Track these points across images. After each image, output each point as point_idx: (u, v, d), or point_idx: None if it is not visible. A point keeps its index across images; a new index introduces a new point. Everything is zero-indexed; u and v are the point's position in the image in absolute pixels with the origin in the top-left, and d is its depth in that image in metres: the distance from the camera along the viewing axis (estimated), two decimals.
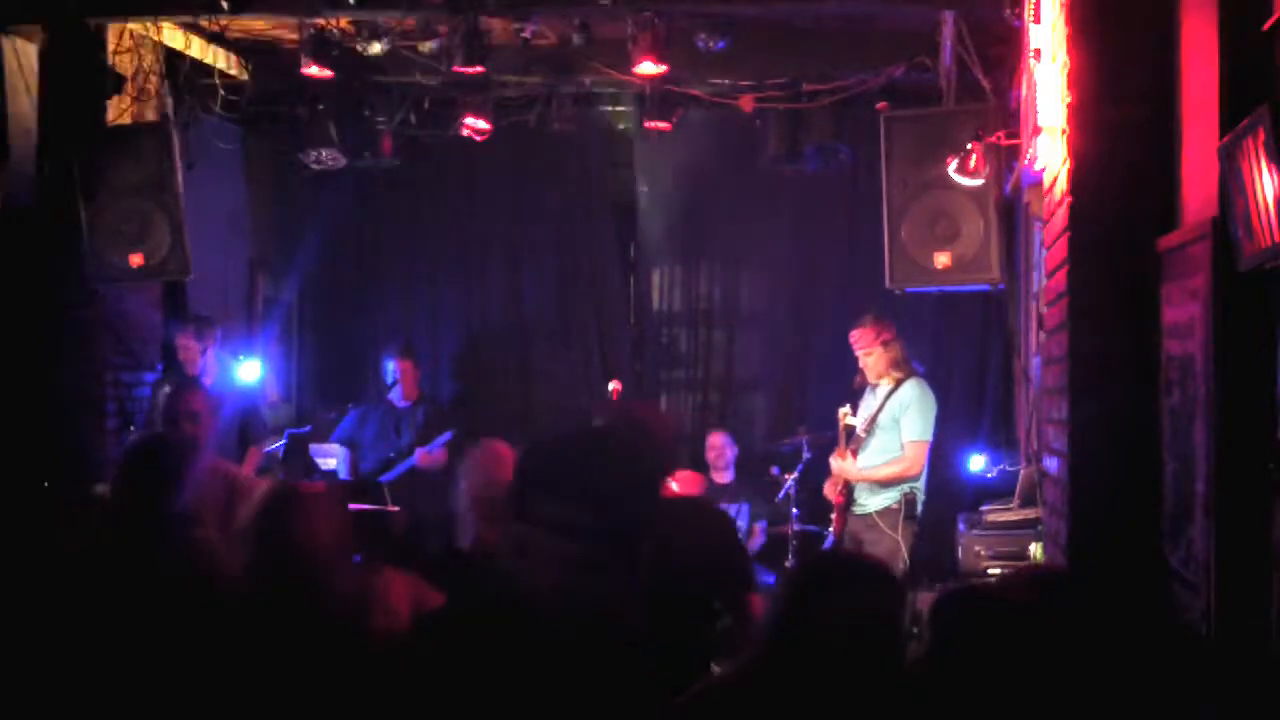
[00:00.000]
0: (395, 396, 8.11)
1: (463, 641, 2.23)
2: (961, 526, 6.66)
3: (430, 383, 8.69)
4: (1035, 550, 5.90)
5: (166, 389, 6.55)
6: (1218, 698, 2.86)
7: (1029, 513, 6.20)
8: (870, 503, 6.73)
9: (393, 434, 7.91)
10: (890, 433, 6.71)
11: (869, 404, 6.84)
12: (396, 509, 7.04)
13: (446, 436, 7.96)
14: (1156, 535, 3.57)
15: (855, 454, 6.75)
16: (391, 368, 8.10)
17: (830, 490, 6.91)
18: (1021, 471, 6.70)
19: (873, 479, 6.70)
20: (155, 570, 2.81)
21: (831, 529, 6.89)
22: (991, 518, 6.57)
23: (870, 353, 6.74)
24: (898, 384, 6.73)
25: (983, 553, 6.42)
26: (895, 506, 6.65)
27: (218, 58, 7.24)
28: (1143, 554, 3.60)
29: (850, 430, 6.76)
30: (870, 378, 6.80)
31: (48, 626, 2.66)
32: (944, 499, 7.14)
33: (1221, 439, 3.01)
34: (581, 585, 2.23)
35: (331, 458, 8.15)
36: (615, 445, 2.44)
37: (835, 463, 6.80)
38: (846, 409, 6.80)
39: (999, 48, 6.05)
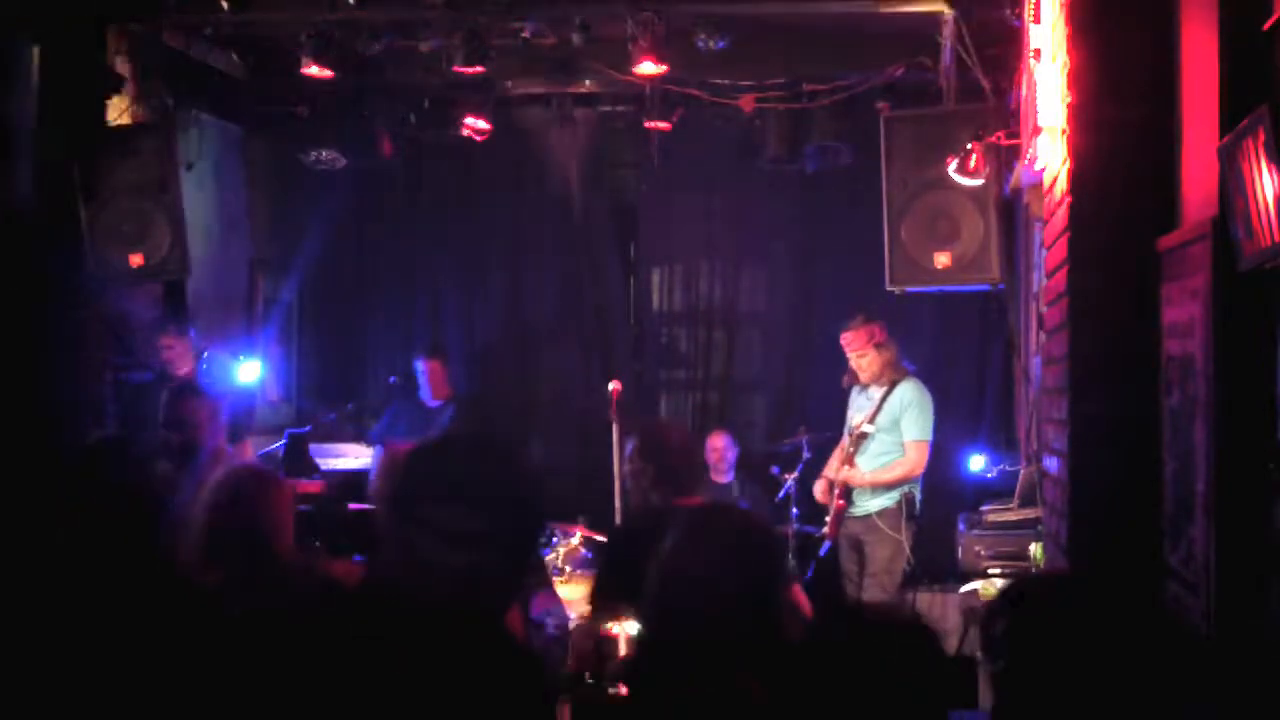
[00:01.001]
0: (425, 396, 8.11)
1: (344, 653, 2.20)
2: (961, 526, 6.66)
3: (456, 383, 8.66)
4: (1035, 550, 5.90)
5: (164, 394, 6.51)
6: (1217, 698, 2.86)
7: (1029, 513, 6.19)
8: (870, 504, 6.70)
9: (421, 433, 7.91)
10: (890, 434, 6.69)
11: (861, 405, 6.81)
12: None
13: None
14: (1156, 535, 3.57)
15: (854, 456, 6.72)
16: (420, 369, 8.11)
17: (822, 494, 6.88)
18: (1021, 471, 6.70)
19: (879, 482, 6.67)
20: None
21: (825, 531, 6.86)
22: (991, 518, 6.56)
23: (864, 355, 6.70)
24: (892, 385, 6.69)
25: (983, 553, 6.41)
26: (895, 507, 6.64)
27: (218, 58, 7.24)
28: (1143, 554, 3.60)
29: (865, 436, 6.70)
30: (863, 379, 6.76)
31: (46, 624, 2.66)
32: (944, 499, 7.13)
33: (1221, 439, 3.01)
34: (469, 595, 2.21)
35: (335, 457, 8.17)
36: (504, 451, 2.43)
37: (844, 471, 6.73)
38: (864, 418, 6.73)
39: (999, 48, 6.05)
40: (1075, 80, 3.89)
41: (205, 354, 7.21)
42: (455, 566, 2.20)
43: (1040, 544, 5.59)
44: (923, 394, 6.72)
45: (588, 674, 5.72)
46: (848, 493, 6.75)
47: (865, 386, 6.79)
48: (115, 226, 6.46)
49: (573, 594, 7.10)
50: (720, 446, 8.08)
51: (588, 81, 7.57)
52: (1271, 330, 2.84)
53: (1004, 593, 2.31)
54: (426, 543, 2.21)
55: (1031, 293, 6.50)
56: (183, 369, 7.23)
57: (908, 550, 6.61)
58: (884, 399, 6.70)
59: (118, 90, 6.62)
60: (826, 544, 6.84)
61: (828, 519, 6.83)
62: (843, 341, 6.76)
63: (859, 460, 6.72)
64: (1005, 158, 5.87)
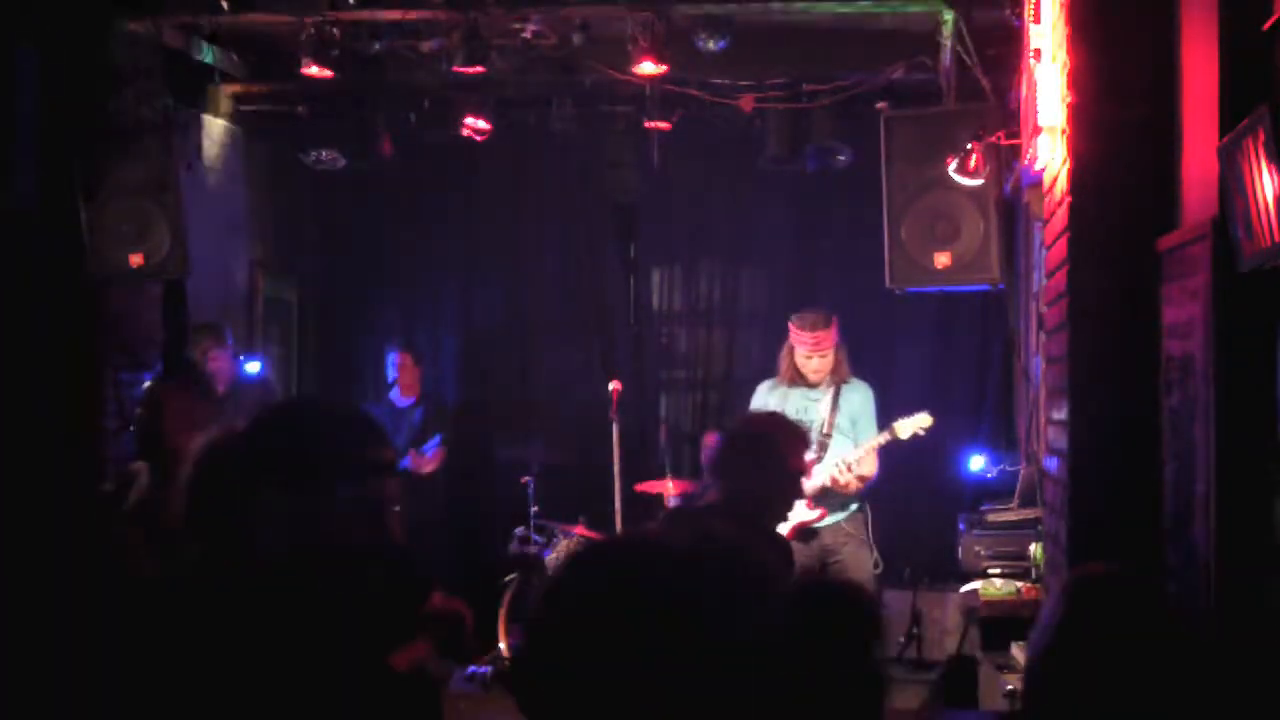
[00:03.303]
0: (394, 395, 8.10)
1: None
2: (961, 526, 6.66)
3: (431, 383, 8.70)
4: (1035, 550, 5.90)
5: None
6: (1217, 698, 2.86)
7: (1029, 513, 6.19)
8: (839, 512, 6.43)
9: (391, 434, 7.88)
10: (846, 436, 6.47)
11: (800, 405, 6.43)
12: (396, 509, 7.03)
13: (436, 440, 7.97)
14: (1156, 535, 3.57)
15: (819, 464, 6.35)
16: (392, 361, 8.10)
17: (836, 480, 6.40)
18: (1021, 471, 6.70)
19: (859, 487, 6.40)
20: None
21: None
22: (991, 518, 6.57)
23: (826, 354, 6.43)
24: (839, 385, 6.44)
25: (983, 553, 6.42)
26: (860, 511, 6.47)
27: (218, 58, 7.24)
28: (1143, 554, 3.60)
29: (828, 439, 6.38)
30: (813, 379, 6.46)
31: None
32: (944, 499, 7.13)
33: (1221, 439, 3.01)
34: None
35: None
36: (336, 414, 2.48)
37: (843, 476, 6.31)
38: (842, 465, 6.33)
39: (999, 48, 6.05)
40: (1075, 80, 3.89)
41: (241, 356, 7.26)
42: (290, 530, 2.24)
43: (1040, 544, 5.59)
44: (871, 394, 6.54)
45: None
46: (820, 500, 6.35)
47: (798, 385, 6.46)
48: (115, 226, 6.46)
49: None
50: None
51: (588, 81, 7.56)
52: (1271, 330, 2.84)
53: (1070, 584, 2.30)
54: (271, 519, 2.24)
55: (1031, 293, 6.50)
56: (223, 385, 7.27)
57: (875, 554, 6.49)
58: (836, 400, 6.43)
59: (118, 90, 6.62)
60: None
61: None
62: (811, 340, 6.41)
63: (817, 470, 6.33)
64: (1005, 158, 5.87)
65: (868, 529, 6.49)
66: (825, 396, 6.46)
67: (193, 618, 2.22)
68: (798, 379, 6.48)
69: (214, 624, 2.19)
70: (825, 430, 6.42)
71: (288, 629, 2.17)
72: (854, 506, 6.48)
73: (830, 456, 6.41)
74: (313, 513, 2.23)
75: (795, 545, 6.15)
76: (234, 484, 2.27)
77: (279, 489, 2.22)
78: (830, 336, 6.44)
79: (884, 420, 6.49)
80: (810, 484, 6.27)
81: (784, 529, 6.19)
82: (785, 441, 4.12)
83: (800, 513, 6.26)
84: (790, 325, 6.52)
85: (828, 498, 6.37)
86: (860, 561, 6.46)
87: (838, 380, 6.47)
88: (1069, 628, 2.20)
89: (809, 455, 6.20)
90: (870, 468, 6.41)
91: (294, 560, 2.20)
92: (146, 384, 5.30)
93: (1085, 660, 2.14)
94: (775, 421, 4.43)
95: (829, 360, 6.44)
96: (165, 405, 5.04)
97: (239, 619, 2.18)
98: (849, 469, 6.35)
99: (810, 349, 6.43)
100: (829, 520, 6.40)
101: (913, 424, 6.33)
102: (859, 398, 6.48)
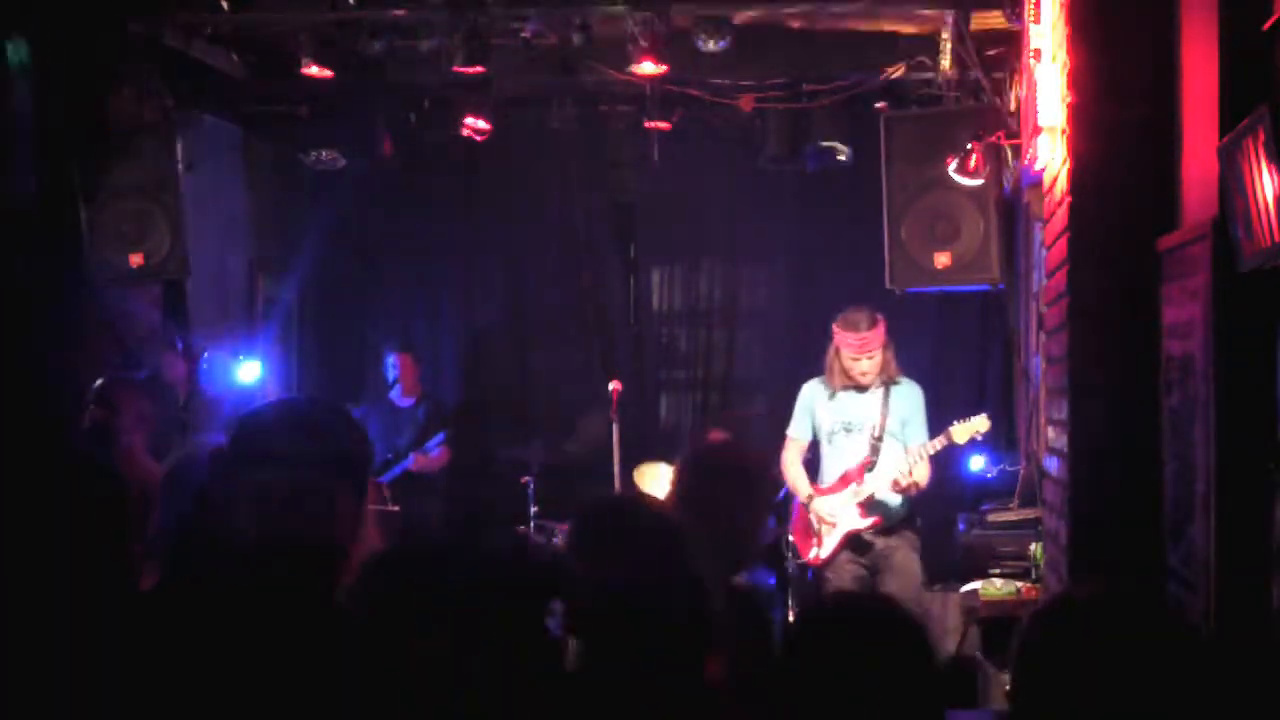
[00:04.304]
0: (395, 395, 8.10)
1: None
2: (961, 526, 6.67)
3: (430, 383, 8.70)
4: (1035, 550, 5.91)
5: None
6: (1217, 698, 2.86)
7: (1029, 513, 6.20)
8: (892, 517, 6.22)
9: (393, 434, 7.91)
10: (898, 439, 6.23)
11: (847, 407, 6.27)
12: (396, 508, 7.05)
13: (440, 437, 7.97)
14: (1156, 535, 3.57)
15: (871, 469, 6.20)
16: (391, 362, 8.10)
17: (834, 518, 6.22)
18: (1021, 471, 6.70)
19: (914, 493, 6.19)
20: None
21: (819, 556, 6.26)
22: (991, 518, 6.58)
23: (874, 355, 6.17)
24: (888, 385, 6.23)
25: (983, 553, 6.43)
26: (912, 524, 6.28)
27: (218, 58, 7.24)
28: (1143, 554, 3.60)
29: (880, 441, 6.21)
30: (864, 381, 6.20)
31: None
32: (944, 499, 7.12)
33: (1221, 439, 3.01)
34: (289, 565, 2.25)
35: None
36: (309, 410, 2.47)
37: (904, 479, 6.05)
38: (903, 471, 6.12)
39: (999, 48, 6.06)
40: (1075, 80, 3.89)
41: (206, 354, 7.22)
42: (270, 533, 2.22)
43: (1040, 544, 5.59)
44: (922, 395, 6.35)
45: None
46: (871, 508, 6.19)
47: (847, 387, 6.25)
48: (115, 226, 6.47)
49: None
50: None
51: (588, 81, 7.56)
52: (1271, 330, 2.84)
53: (1039, 613, 2.30)
54: (240, 512, 2.23)
55: (1031, 293, 6.50)
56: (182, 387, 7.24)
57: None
58: (887, 401, 6.22)
59: (118, 90, 6.62)
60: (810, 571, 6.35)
61: (823, 539, 6.22)
62: (857, 342, 6.16)
63: (878, 471, 6.20)
64: (1005, 158, 5.88)
65: (918, 538, 6.27)
66: (875, 398, 6.23)
67: (171, 621, 2.23)
68: (847, 382, 6.24)
69: (190, 627, 2.20)
70: (877, 434, 6.20)
71: (260, 625, 2.18)
72: (903, 511, 6.23)
73: (882, 461, 6.18)
74: (288, 510, 2.23)
75: (848, 555, 6.22)
76: (209, 486, 2.28)
77: (250, 488, 2.23)
78: (877, 337, 6.17)
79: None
80: (863, 490, 6.18)
81: (836, 538, 6.20)
82: (759, 479, 3.69)
83: (853, 520, 6.19)
84: (834, 327, 6.26)
85: (878, 506, 6.20)
86: (908, 570, 6.21)
87: (887, 380, 6.23)
88: (1036, 652, 2.20)
89: (864, 459, 6.19)
90: (924, 474, 6.16)
91: (265, 557, 2.21)
92: (98, 383, 5.26)
93: (1060, 681, 2.15)
94: (748, 455, 3.97)
95: (877, 361, 6.17)
96: (120, 404, 5.02)
97: (213, 619, 2.19)
98: (910, 473, 6.10)
99: (856, 351, 6.17)
100: (881, 528, 6.21)
101: (969, 428, 6.15)
102: (909, 398, 6.25)
